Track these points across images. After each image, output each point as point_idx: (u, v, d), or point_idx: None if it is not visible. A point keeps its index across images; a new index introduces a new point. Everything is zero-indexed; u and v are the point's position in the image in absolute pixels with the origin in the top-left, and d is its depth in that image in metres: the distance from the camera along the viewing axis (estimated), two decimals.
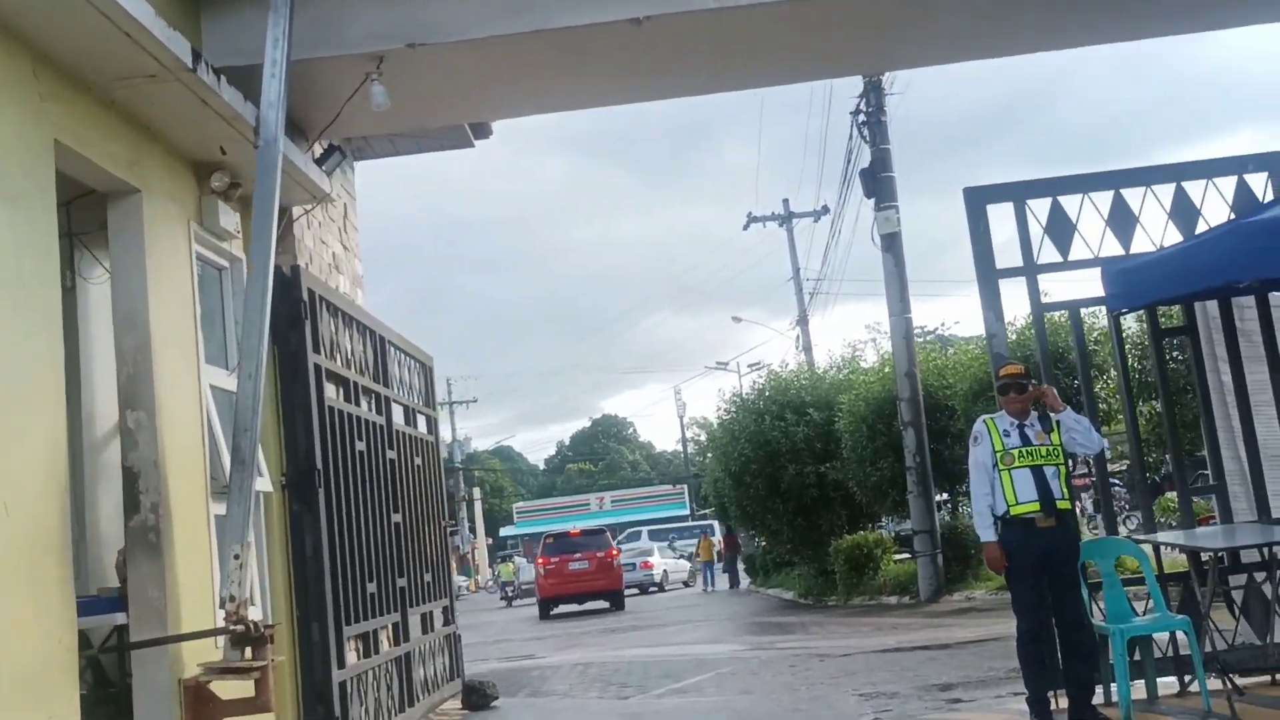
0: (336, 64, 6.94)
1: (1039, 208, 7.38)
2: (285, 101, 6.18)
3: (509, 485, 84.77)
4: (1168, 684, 6.87)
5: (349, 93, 7.07)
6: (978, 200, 7.33)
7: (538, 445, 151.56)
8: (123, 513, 5.82)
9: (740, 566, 33.24)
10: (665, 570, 36.29)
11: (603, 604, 27.12)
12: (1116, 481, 17.62)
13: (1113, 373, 13.27)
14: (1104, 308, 7.63)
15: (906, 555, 20.10)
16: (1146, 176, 7.39)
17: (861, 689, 9.11)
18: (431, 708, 8.98)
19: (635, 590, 35.09)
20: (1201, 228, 7.25)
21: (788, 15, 6.98)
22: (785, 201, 35.42)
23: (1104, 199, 7.35)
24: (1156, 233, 7.33)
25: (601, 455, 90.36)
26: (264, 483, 6.73)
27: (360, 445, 7.89)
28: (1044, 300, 7.58)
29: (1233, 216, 7.17)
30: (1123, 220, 7.30)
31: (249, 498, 5.70)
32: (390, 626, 8.32)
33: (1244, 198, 7.29)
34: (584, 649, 16.21)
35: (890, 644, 12.35)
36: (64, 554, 4.75)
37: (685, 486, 60.39)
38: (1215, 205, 7.32)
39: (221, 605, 5.61)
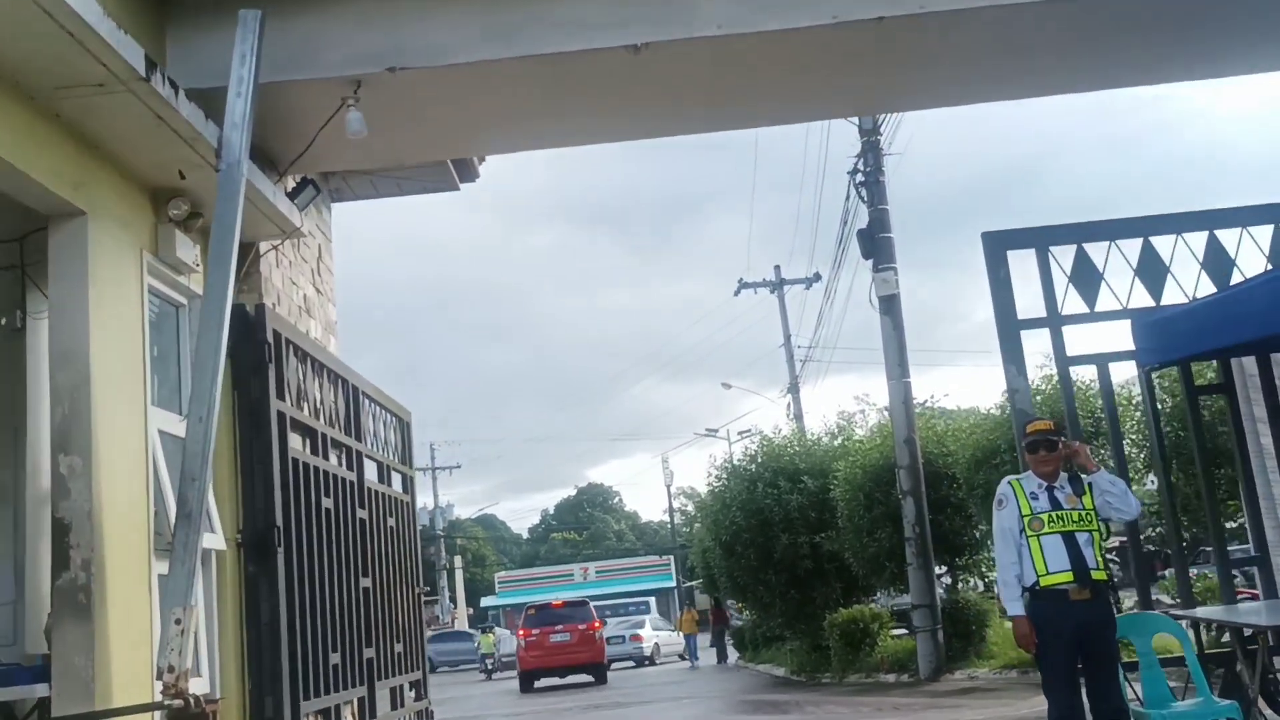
0: (311, 89, 6.45)
1: (1063, 257, 6.90)
2: (251, 123, 5.67)
3: (491, 554, 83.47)
4: None
5: (323, 120, 6.57)
6: (998, 246, 6.85)
7: (522, 514, 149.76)
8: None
9: (728, 641, 32.36)
10: (656, 643, 35.74)
11: (586, 678, 26.73)
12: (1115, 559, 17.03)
13: (1133, 436, 12.68)
14: (1133, 362, 7.10)
15: (903, 631, 19.39)
16: (1177, 224, 6.93)
17: None
18: None
19: (632, 663, 34.48)
20: (1236, 278, 6.77)
21: (791, 46, 6.54)
22: (777, 268, 35.34)
23: (1132, 247, 6.87)
24: (1189, 283, 6.85)
25: (586, 524, 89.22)
26: (216, 540, 6.12)
27: (327, 502, 7.29)
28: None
29: (1270, 266, 6.70)
30: (1153, 269, 6.83)
31: (194, 555, 5.08)
32: (355, 701, 7.65)
33: None
34: None
35: None
36: None
37: (672, 557, 59.44)
38: (1251, 254, 6.86)
39: (159, 676, 4.98)
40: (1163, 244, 6.87)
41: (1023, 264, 6.97)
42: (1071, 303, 6.88)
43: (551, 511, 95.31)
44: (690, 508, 29.58)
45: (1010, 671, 15.03)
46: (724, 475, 23.00)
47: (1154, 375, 7.13)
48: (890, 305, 17.67)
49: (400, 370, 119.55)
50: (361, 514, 8.02)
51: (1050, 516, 5.81)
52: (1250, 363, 6.79)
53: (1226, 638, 7.62)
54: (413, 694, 9.17)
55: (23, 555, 6.07)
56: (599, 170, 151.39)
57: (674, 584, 57.35)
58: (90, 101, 5.04)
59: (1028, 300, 6.97)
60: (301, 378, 7.19)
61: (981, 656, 16.31)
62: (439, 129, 7.22)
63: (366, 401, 8.57)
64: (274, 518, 6.43)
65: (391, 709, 8.57)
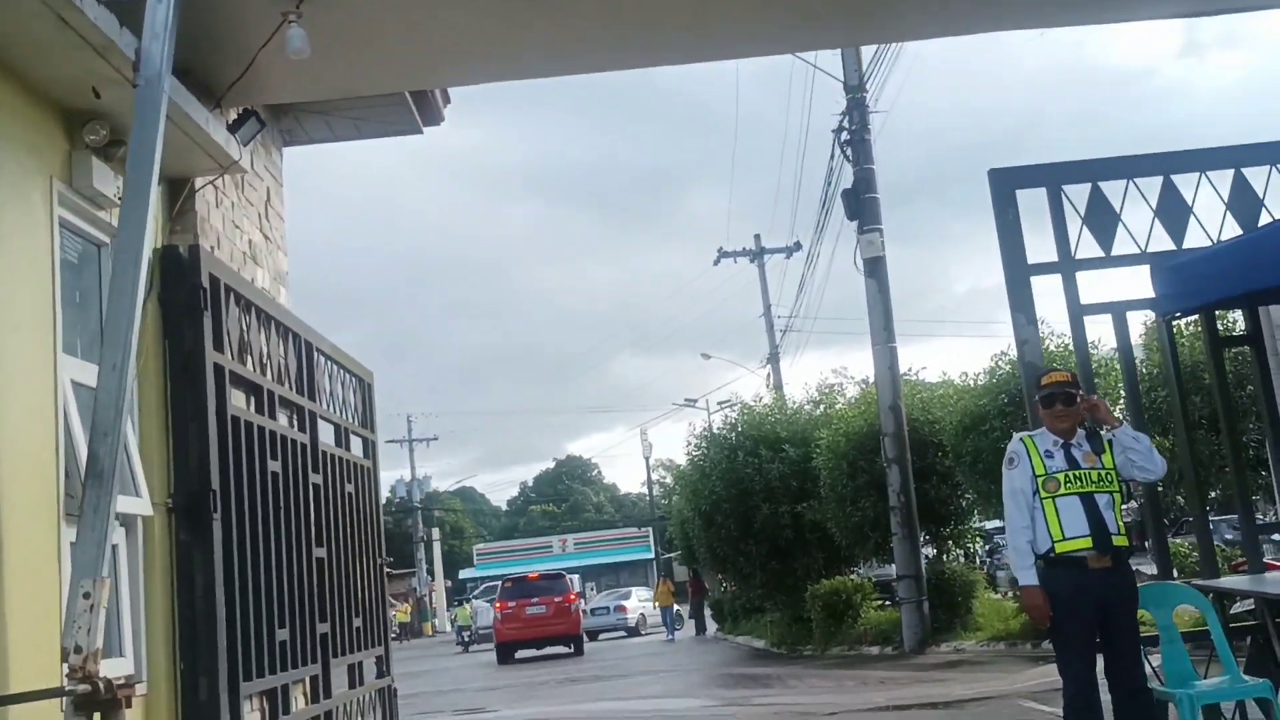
0: (247, 3, 5.78)
1: (1076, 196, 6.31)
2: (174, 32, 4.99)
3: (470, 527, 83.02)
4: None
5: (263, 40, 5.90)
6: (1005, 184, 6.26)
7: (500, 486, 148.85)
8: None
9: (707, 612, 31.98)
10: (642, 614, 35.72)
11: (563, 649, 26.76)
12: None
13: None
14: (1150, 311, 6.55)
15: (886, 602, 18.96)
16: (1201, 160, 6.36)
17: None
18: None
19: (622, 633, 34.44)
20: (1265, 219, 6.22)
21: None
22: (757, 237, 34.92)
23: (1152, 186, 6.29)
24: (1213, 225, 6.28)
25: (565, 497, 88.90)
26: (141, 504, 5.49)
27: (275, 465, 6.66)
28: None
29: None
30: (1174, 211, 6.26)
31: (106, 520, 4.45)
32: (307, 680, 7.05)
33: None
34: (541, 701, 14.93)
35: (879, 701, 11.13)
36: None
37: (650, 529, 59.10)
38: None
39: (65, 658, 4.37)
40: (1185, 183, 6.30)
41: (1032, 207, 6.38)
42: (1085, 247, 6.30)
43: (530, 484, 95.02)
44: (669, 479, 29.12)
45: (998, 644, 14.61)
46: (703, 444, 22.52)
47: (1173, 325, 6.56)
48: (875, 268, 17.13)
49: (380, 345, 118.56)
50: (315, 479, 7.40)
51: (1067, 476, 5.25)
52: (1279, 311, 6.25)
53: (1237, 609, 7.13)
54: (375, 670, 8.60)
55: None
56: (576, 142, 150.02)
57: (652, 556, 57.06)
58: None
59: (1035, 249, 6.40)
60: (245, 329, 6.54)
61: (968, 629, 15.91)
62: (393, 55, 6.55)
63: (322, 359, 7.93)
64: (209, 480, 5.80)
65: (350, 687, 7.99)
